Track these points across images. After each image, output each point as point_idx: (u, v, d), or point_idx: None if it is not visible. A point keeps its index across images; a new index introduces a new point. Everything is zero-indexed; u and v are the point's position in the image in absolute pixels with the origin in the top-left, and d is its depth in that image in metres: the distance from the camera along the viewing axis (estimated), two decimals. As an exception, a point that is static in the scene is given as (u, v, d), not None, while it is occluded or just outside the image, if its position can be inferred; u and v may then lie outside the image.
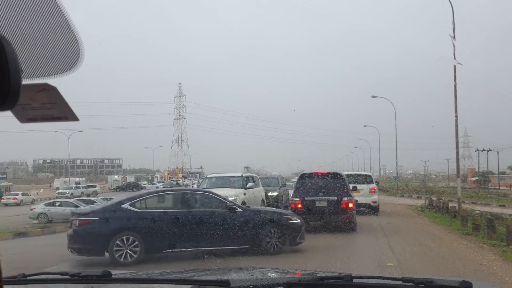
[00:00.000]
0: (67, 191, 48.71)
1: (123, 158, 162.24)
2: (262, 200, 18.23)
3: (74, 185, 52.54)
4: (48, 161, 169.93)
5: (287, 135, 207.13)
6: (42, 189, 54.72)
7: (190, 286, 1.86)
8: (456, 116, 17.85)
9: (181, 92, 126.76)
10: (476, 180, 70.12)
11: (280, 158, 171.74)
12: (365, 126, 60.85)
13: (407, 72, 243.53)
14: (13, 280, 1.93)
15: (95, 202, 23.37)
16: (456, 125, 18.12)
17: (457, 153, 19.03)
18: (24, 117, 1.04)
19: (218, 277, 2.14)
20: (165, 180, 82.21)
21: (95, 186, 55.76)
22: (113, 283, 1.98)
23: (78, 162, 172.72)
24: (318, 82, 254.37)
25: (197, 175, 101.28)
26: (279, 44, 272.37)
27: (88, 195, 50.14)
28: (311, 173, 15.02)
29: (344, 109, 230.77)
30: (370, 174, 23.81)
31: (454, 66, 17.02)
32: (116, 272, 2.09)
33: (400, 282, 1.74)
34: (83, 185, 54.47)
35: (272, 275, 2.42)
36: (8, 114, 0.92)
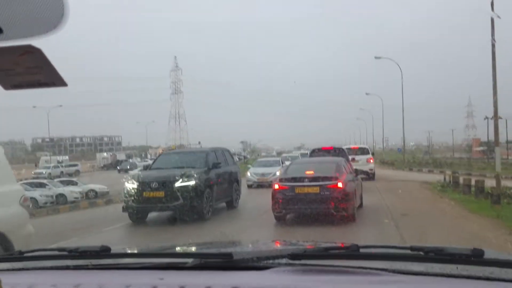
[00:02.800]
0: (44, 170, 45.11)
1: (123, 135, 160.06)
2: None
3: (51, 164, 48.75)
4: (47, 140, 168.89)
5: (288, 108, 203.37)
6: (24, 169, 51.36)
7: (192, 259, 1.75)
8: (494, 75, 14.34)
9: (176, 66, 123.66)
10: (482, 150, 67.58)
11: (281, 132, 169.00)
12: (367, 94, 56.88)
13: (413, 37, 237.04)
14: (9, 258, 1.95)
15: (47, 185, 20.37)
16: (494, 80, 14.34)
17: (495, 112, 14.77)
18: (8, 84, 0.96)
19: (221, 250, 2.11)
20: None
21: (76, 165, 51.90)
22: (112, 258, 1.90)
23: (77, 140, 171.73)
24: (318, 54, 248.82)
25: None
26: (280, 12, 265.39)
27: (70, 175, 47.10)
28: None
29: (346, 80, 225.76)
30: (366, 147, 27.89)
31: (492, 19, 13.76)
32: (115, 247, 2.01)
33: (409, 251, 1.65)
34: (63, 164, 51.07)
35: (276, 246, 2.45)
36: None
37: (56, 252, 1.96)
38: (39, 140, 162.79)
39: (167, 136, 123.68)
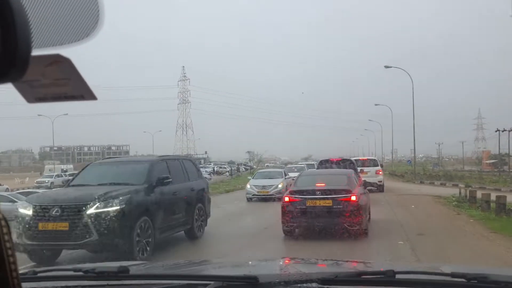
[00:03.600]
0: (46, 179, 43.71)
1: (131, 144, 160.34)
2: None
3: (54, 173, 47.47)
4: (55, 148, 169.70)
5: (296, 118, 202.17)
6: (28, 178, 50.76)
7: (213, 282, 1.68)
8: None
9: (184, 76, 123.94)
10: (492, 163, 66.92)
11: (289, 143, 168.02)
12: (376, 105, 55.68)
13: (423, 47, 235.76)
14: (22, 278, 1.54)
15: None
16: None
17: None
18: (32, 96, 0.88)
19: (245, 271, 1.98)
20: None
21: None
22: (130, 280, 1.83)
23: (85, 149, 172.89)
24: (327, 63, 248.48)
25: (202, 160, 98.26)
26: (287, 24, 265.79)
27: (73, 184, 46.32)
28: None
29: (355, 90, 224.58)
30: (375, 158, 27.96)
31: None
32: (132, 264, 2.05)
33: (449, 278, 1.59)
34: (67, 173, 50.11)
35: (304, 269, 2.25)
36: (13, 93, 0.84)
37: (72, 273, 1.92)
38: (47, 149, 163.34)
39: (174, 146, 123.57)
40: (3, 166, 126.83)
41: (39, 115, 49.29)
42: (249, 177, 25.34)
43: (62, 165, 63.78)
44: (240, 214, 14.43)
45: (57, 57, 0.83)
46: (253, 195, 20.28)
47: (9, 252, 0.69)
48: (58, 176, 45.21)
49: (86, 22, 0.84)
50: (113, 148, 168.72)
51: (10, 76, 0.64)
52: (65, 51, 0.84)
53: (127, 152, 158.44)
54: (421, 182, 34.35)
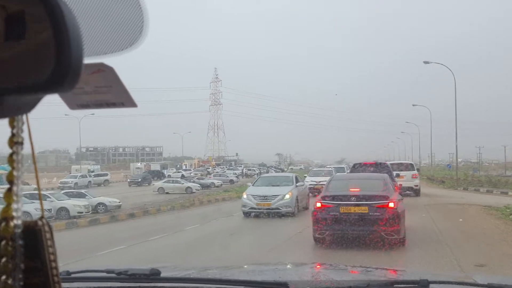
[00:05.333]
0: (70, 180, 42.74)
1: (164, 146, 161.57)
2: None
3: (79, 174, 46.71)
4: (91, 149, 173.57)
5: (329, 121, 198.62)
6: (55, 178, 50.53)
7: (243, 287, 1.79)
8: None
9: (216, 77, 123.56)
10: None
11: (322, 146, 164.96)
12: (413, 105, 52.79)
13: (463, 46, 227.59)
14: None
15: (49, 197, 18.32)
16: None
17: None
18: (75, 103, 0.90)
19: (275, 277, 2.05)
20: (194, 167, 77.79)
21: (106, 175, 49.86)
22: (162, 283, 1.89)
23: (120, 150, 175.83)
24: (363, 62, 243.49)
25: (232, 162, 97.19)
26: (321, 25, 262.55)
27: (99, 185, 45.55)
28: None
29: (392, 91, 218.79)
30: (411, 162, 27.69)
31: None
32: (163, 266, 2.06)
33: None
34: (93, 173, 49.53)
35: (335, 276, 2.23)
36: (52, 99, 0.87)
37: (104, 274, 1.93)
38: (83, 149, 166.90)
39: (205, 148, 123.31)
40: (40, 166, 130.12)
41: (65, 114, 49.11)
42: (249, 184, 21.67)
43: (89, 166, 63.61)
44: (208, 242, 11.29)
45: (101, 66, 0.84)
46: (251, 208, 15.48)
47: (52, 257, 0.71)
48: (82, 176, 44.61)
49: (131, 32, 0.85)
50: (147, 149, 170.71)
51: (64, 86, 0.65)
52: (108, 60, 0.85)
53: (160, 154, 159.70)
54: (464, 189, 31.37)
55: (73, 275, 1.89)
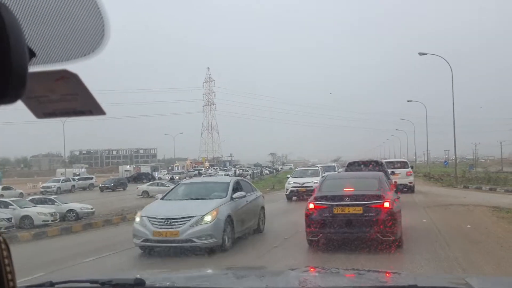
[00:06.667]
0: (53, 184, 40.68)
1: (158, 147, 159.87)
2: None
3: (62, 178, 44.73)
4: (84, 152, 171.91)
5: (324, 120, 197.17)
6: (40, 182, 48.54)
7: None
8: None
9: (209, 77, 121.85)
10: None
11: (318, 145, 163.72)
12: (408, 101, 51.33)
13: (459, 42, 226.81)
14: None
15: (11, 205, 16.64)
16: None
17: None
18: (41, 112, 0.90)
19: (268, 282, 2.02)
20: (187, 169, 76.07)
21: (91, 178, 47.89)
22: None
23: (114, 152, 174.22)
24: (356, 61, 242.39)
25: (227, 163, 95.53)
26: (314, 24, 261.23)
27: (84, 189, 43.75)
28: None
29: (386, 87, 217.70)
30: (405, 160, 28.84)
31: None
32: (150, 275, 2.09)
33: None
34: (78, 177, 47.60)
35: (327, 279, 2.31)
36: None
37: (88, 284, 1.90)
38: (76, 153, 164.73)
39: (199, 148, 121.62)
40: (33, 170, 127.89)
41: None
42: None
43: (74, 170, 61.73)
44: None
45: (64, 73, 0.82)
46: (144, 240, 9.36)
47: (9, 276, 0.68)
48: (66, 180, 42.74)
49: (92, 38, 0.83)
50: (141, 151, 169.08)
51: (8, 98, 0.62)
52: (72, 67, 0.84)
53: (154, 156, 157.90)
54: (465, 187, 29.54)
55: (56, 286, 1.85)
